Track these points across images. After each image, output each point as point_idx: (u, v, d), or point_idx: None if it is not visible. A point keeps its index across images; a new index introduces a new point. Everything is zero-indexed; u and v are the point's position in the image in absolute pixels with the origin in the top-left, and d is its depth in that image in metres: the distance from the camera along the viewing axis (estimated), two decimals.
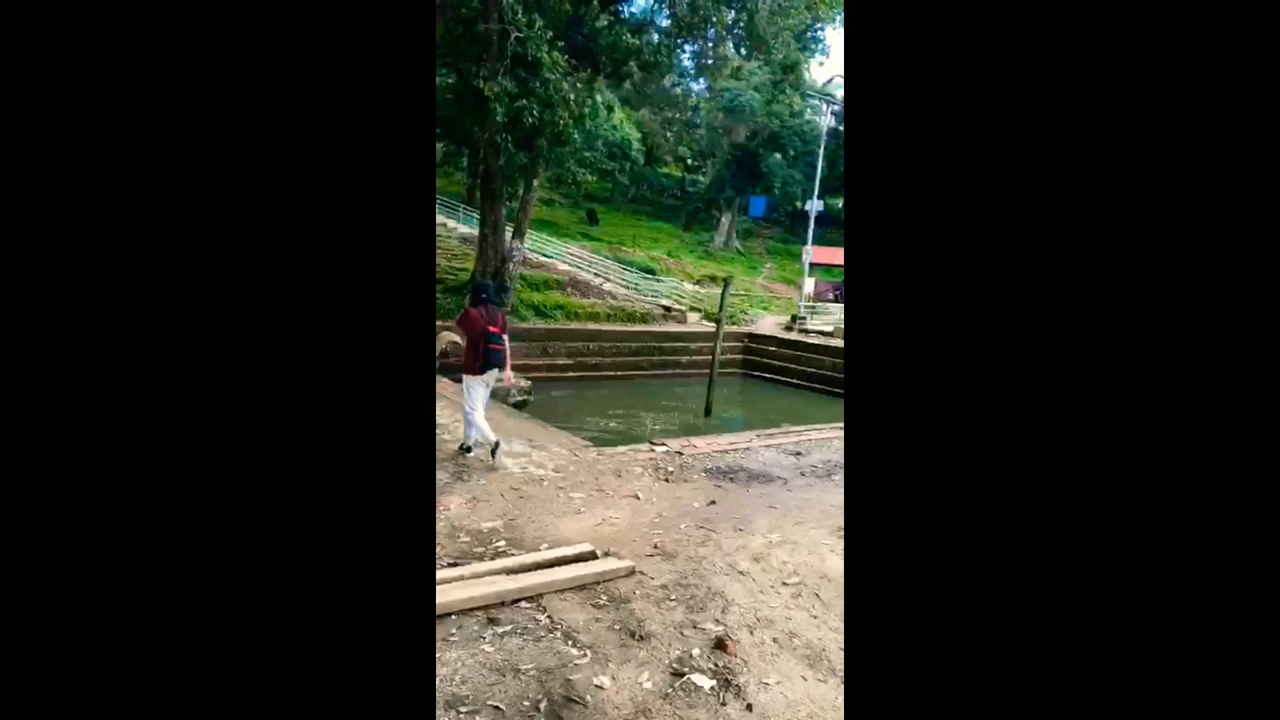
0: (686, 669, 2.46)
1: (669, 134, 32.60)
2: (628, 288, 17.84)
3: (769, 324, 17.94)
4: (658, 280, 18.86)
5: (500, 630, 2.62)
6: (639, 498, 4.38)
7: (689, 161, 35.12)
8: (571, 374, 13.25)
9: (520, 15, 10.18)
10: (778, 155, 27.79)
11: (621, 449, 5.64)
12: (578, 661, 2.45)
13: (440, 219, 19.44)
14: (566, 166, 14.31)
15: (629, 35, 12.45)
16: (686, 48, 16.21)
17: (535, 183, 13.34)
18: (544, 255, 18.54)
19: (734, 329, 16.52)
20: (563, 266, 17.89)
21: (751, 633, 2.76)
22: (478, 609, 2.74)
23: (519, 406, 9.41)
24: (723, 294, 11.32)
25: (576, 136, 12.93)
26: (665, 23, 13.52)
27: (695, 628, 2.76)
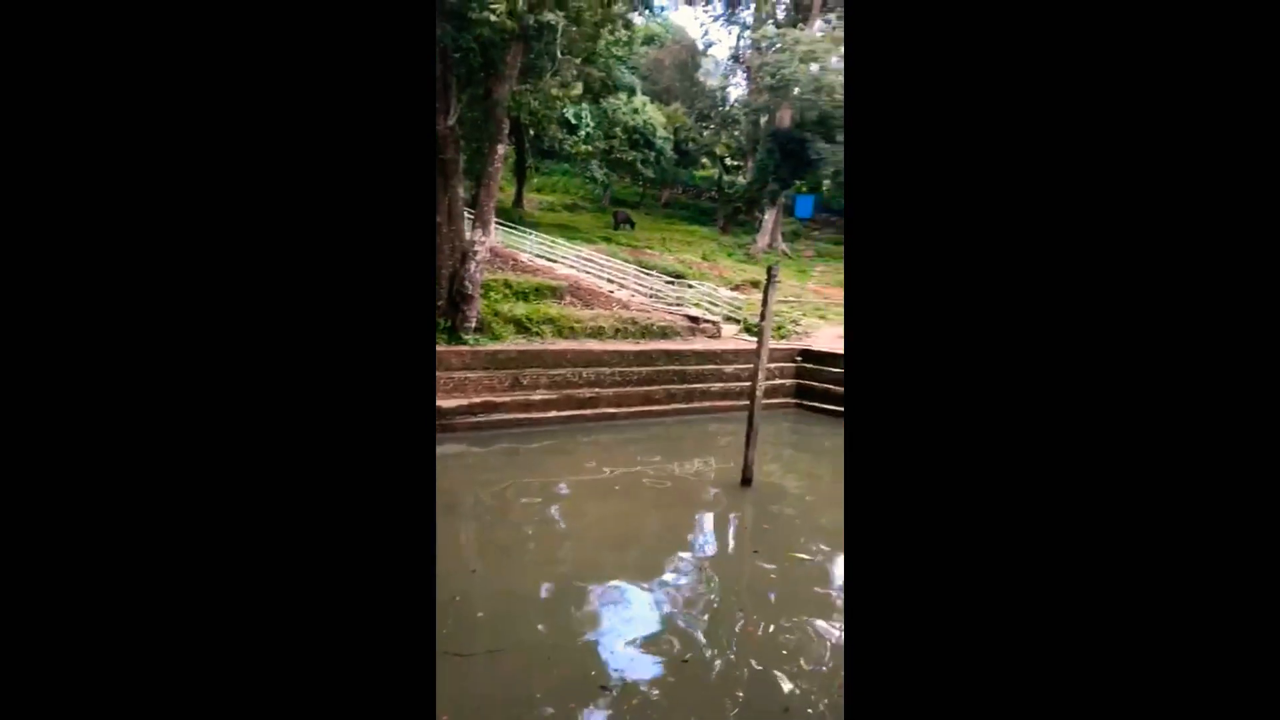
0: None
1: (705, 130, 28.92)
2: (647, 295, 14.08)
3: (828, 337, 13.47)
4: (685, 286, 14.98)
5: None
6: None
7: (727, 161, 31.03)
8: (553, 413, 9.48)
9: None
10: (827, 142, 23.24)
11: None
12: None
13: None
14: (552, 135, 10.67)
15: None
16: None
17: (500, 149, 9.75)
18: (547, 259, 15.00)
19: (783, 345, 12.50)
20: (563, 271, 14.28)
21: None
22: None
23: None
24: (766, 290, 7.35)
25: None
26: None
27: None
